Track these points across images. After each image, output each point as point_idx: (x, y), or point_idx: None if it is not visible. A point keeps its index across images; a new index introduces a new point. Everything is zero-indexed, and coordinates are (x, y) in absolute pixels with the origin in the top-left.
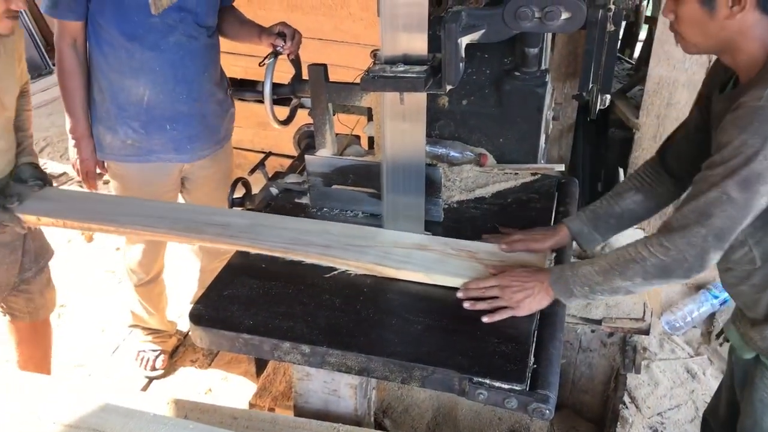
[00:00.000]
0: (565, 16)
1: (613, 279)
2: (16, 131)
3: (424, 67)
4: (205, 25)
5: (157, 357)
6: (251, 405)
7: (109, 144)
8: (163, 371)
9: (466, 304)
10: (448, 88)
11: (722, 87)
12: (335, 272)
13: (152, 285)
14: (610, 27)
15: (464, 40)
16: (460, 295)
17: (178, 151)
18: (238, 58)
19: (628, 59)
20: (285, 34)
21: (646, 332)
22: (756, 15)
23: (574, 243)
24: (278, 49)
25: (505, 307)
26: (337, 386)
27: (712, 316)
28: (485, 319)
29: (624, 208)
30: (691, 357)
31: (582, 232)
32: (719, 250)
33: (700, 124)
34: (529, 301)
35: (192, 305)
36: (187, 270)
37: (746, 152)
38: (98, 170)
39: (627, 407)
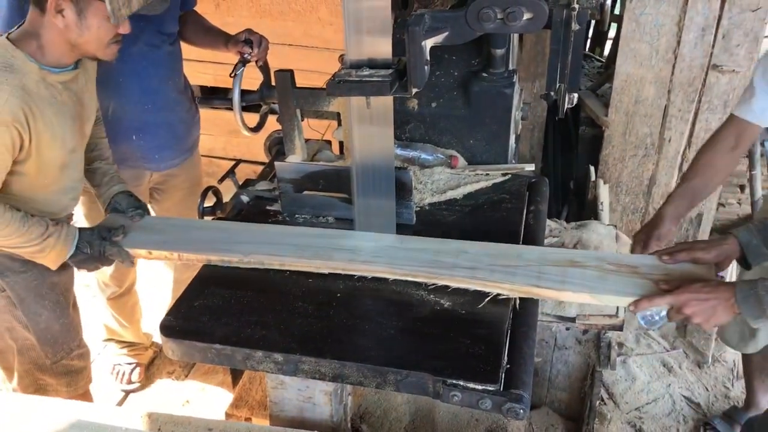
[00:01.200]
0: (527, 16)
1: None
2: (95, 160)
3: (390, 71)
4: (166, 33)
5: (132, 370)
6: (228, 415)
7: None
8: (139, 384)
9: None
10: (414, 91)
11: None
12: (489, 298)
13: (126, 297)
14: (575, 26)
15: (428, 43)
16: (631, 309)
17: (147, 161)
18: (207, 66)
19: (598, 57)
20: (251, 41)
21: (620, 328)
22: None
23: None
24: (245, 56)
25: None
26: (312, 393)
27: None
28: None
29: None
30: (667, 351)
31: (750, 244)
32: None
33: None
34: (710, 319)
35: (164, 317)
36: (160, 281)
37: None
38: None
39: (605, 403)
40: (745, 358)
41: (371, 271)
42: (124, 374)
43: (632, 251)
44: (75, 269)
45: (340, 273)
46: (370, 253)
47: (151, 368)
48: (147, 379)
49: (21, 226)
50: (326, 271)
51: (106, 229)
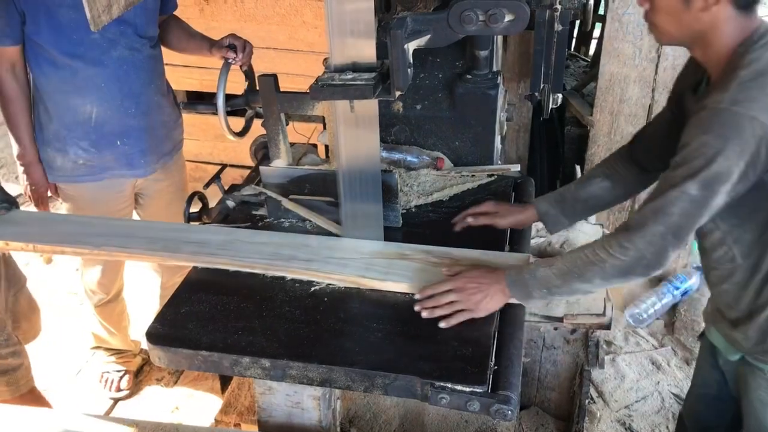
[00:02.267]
0: (509, 18)
1: (571, 281)
2: None
3: (373, 74)
4: (146, 36)
5: (121, 378)
6: (217, 422)
7: (60, 166)
8: (128, 392)
9: (424, 314)
10: (398, 94)
11: (695, 87)
12: (316, 287)
13: (113, 304)
14: (558, 27)
15: (411, 46)
16: (416, 306)
17: (131, 167)
18: (192, 71)
19: (583, 57)
20: (235, 46)
21: (608, 327)
22: (729, 10)
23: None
24: (230, 61)
25: (462, 310)
26: (300, 398)
27: (674, 307)
28: (443, 324)
29: (591, 194)
30: (656, 349)
31: (548, 213)
32: (677, 248)
33: (671, 123)
34: (486, 301)
35: (150, 324)
36: (148, 287)
37: (707, 153)
38: (50, 194)
39: (595, 402)
40: None
41: (211, 262)
42: (112, 382)
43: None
44: None
45: (329, 278)
46: (216, 245)
47: (139, 375)
48: (136, 387)
49: None
50: (172, 264)
51: None
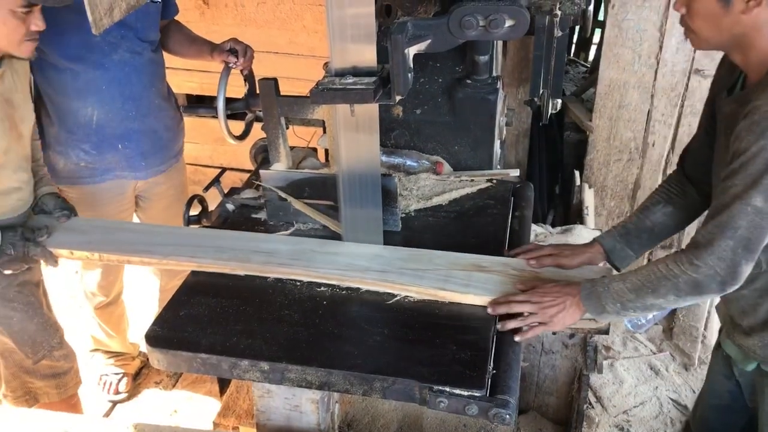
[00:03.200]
0: (509, 23)
1: (645, 296)
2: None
3: (374, 79)
4: (147, 40)
5: (120, 380)
6: (215, 424)
7: (63, 169)
8: (126, 394)
9: (498, 326)
10: (398, 98)
11: (729, 89)
12: (392, 300)
13: (112, 307)
14: (558, 32)
15: (411, 51)
16: (489, 310)
17: (132, 169)
18: (193, 74)
19: (583, 62)
20: (236, 51)
21: (606, 332)
22: None
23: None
24: (231, 65)
25: (537, 324)
26: (299, 402)
27: (673, 313)
28: (517, 338)
29: (655, 221)
30: (654, 354)
31: (614, 249)
32: (751, 261)
33: (709, 129)
34: (562, 315)
35: (149, 327)
36: (147, 290)
37: (766, 158)
38: None
39: (593, 407)
40: None
41: (286, 273)
42: (111, 384)
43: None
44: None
45: (326, 281)
46: (288, 255)
47: (138, 378)
48: (134, 389)
49: None
50: (242, 273)
51: (30, 229)
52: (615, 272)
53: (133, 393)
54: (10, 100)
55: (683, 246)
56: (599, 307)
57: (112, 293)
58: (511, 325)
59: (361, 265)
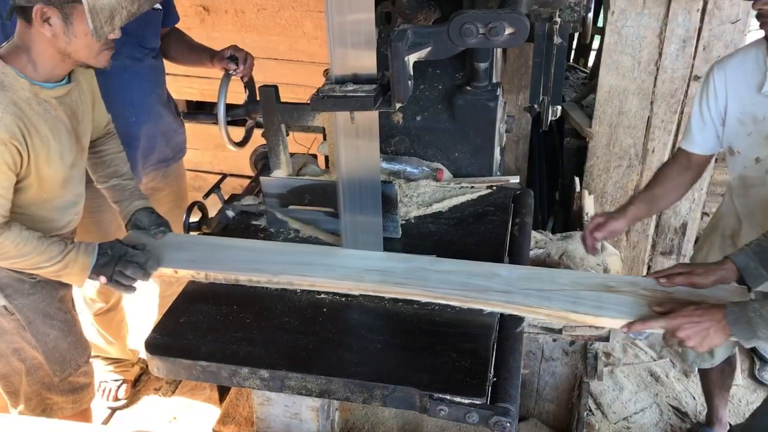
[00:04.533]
0: (508, 31)
1: None
2: (112, 177)
3: (374, 86)
4: (148, 47)
5: (119, 387)
6: (215, 431)
7: None
8: (126, 401)
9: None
10: (398, 106)
11: None
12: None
13: (112, 313)
14: (557, 40)
15: (411, 58)
16: (624, 332)
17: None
18: (193, 81)
19: (582, 69)
20: (237, 58)
21: (606, 339)
22: None
23: None
24: (231, 73)
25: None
26: (299, 409)
27: None
28: None
29: None
30: (654, 360)
31: (748, 267)
32: None
33: None
34: (706, 341)
35: (149, 334)
36: (146, 296)
37: None
38: None
39: (593, 413)
40: (703, 374)
41: (403, 293)
42: (110, 391)
43: (587, 228)
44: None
45: (536, 312)
46: (401, 275)
47: (137, 385)
48: (133, 396)
49: (40, 245)
50: (357, 293)
51: (131, 246)
52: (752, 294)
53: (132, 400)
54: (75, 114)
55: None
56: (749, 332)
57: (112, 299)
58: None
59: (481, 285)
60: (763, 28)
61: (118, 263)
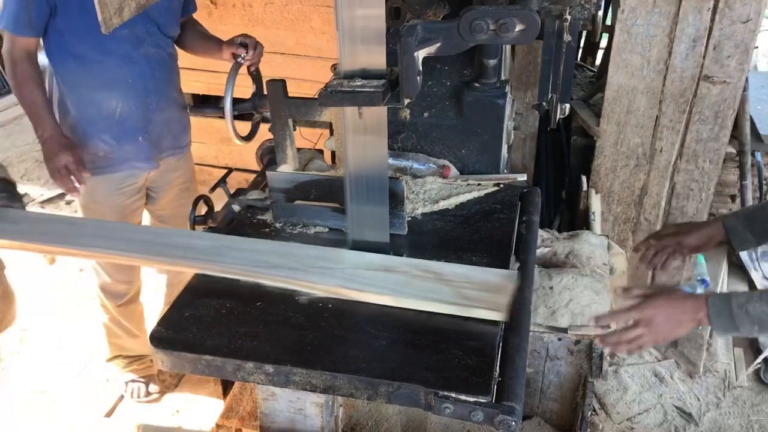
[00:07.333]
0: (519, 27)
1: None
2: None
3: (382, 81)
4: (169, 35)
5: (148, 384)
6: (218, 426)
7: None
8: (158, 395)
9: (606, 350)
10: (407, 101)
11: None
12: (304, 297)
13: (134, 305)
14: (567, 37)
15: (421, 54)
16: (597, 342)
17: (147, 160)
18: (200, 74)
19: (590, 67)
20: (247, 44)
21: None
22: None
23: None
24: (239, 59)
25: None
26: (303, 405)
27: None
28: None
29: None
30: (659, 361)
31: (736, 230)
32: None
33: None
34: (674, 331)
35: (154, 327)
36: (157, 290)
37: None
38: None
39: (597, 413)
40: None
41: (199, 267)
42: (140, 389)
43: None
44: None
45: (312, 288)
46: (201, 251)
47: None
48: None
49: None
50: (150, 267)
51: None
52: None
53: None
54: None
55: None
56: (731, 327)
57: (133, 289)
58: (621, 350)
59: (272, 262)
60: None
61: None
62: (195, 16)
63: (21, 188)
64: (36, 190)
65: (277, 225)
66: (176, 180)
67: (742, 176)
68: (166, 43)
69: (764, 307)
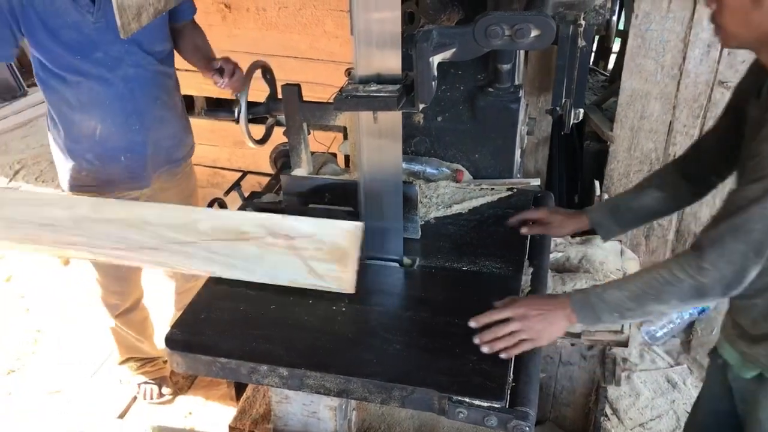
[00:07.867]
0: (534, 33)
1: (646, 303)
2: None
3: (397, 86)
4: (152, 52)
5: (160, 385)
6: (231, 428)
7: (70, 176)
8: (171, 396)
9: (485, 349)
10: (421, 106)
11: (758, 92)
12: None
13: (132, 313)
14: (581, 42)
15: (436, 59)
16: (476, 340)
17: (135, 179)
18: None
19: (602, 71)
20: (224, 70)
21: (625, 344)
22: None
23: None
24: (217, 85)
25: (525, 340)
26: (317, 408)
27: (691, 325)
28: (504, 356)
29: (643, 204)
30: (672, 367)
31: (601, 223)
32: (758, 266)
33: (726, 134)
34: (550, 329)
35: (169, 330)
36: (166, 294)
37: None
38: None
39: (609, 419)
40: None
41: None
42: (152, 390)
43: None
44: None
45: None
46: (67, 229)
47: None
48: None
49: None
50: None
51: None
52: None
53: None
54: None
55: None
56: (594, 318)
57: (130, 299)
58: (499, 346)
59: (135, 240)
60: None
61: None
62: (209, 19)
63: (36, 189)
64: (51, 191)
65: None
66: (173, 197)
67: None
68: (147, 62)
69: (618, 293)
